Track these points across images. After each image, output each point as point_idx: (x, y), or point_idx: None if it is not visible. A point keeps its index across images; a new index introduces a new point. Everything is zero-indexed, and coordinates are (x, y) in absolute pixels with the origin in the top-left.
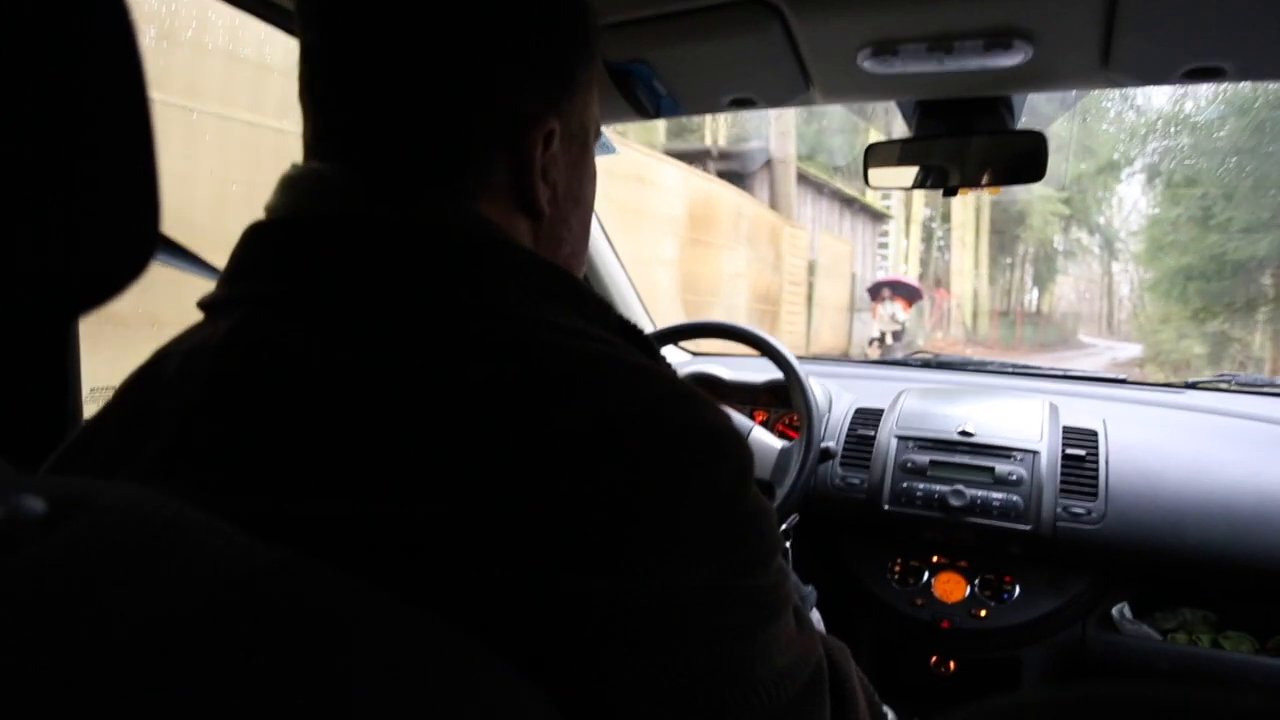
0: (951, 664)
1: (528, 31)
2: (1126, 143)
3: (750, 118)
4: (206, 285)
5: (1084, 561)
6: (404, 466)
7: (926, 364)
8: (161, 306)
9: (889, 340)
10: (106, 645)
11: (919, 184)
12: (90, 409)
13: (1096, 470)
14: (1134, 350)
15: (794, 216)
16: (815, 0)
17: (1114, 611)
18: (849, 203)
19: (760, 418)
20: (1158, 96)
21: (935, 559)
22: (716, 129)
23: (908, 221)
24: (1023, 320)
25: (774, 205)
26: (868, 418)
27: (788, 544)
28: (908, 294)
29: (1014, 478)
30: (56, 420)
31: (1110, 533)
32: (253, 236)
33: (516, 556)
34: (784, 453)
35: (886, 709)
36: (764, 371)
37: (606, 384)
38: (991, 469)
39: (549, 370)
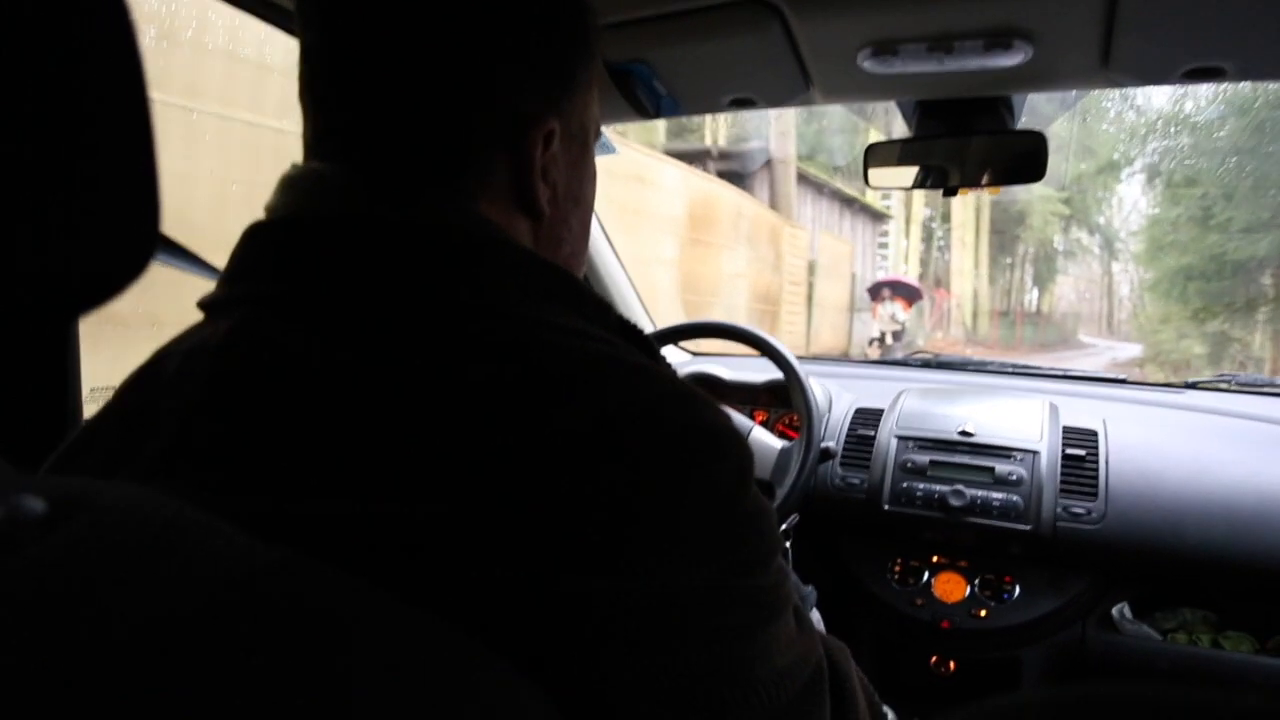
0: (951, 664)
1: (528, 31)
2: (1126, 143)
3: (750, 117)
4: (206, 285)
5: (1084, 561)
6: (404, 466)
7: (926, 364)
8: (162, 306)
9: (889, 340)
10: (106, 645)
11: (919, 184)
12: (90, 409)
13: (1096, 470)
14: (1134, 350)
15: (794, 216)
16: (815, 0)
17: (1114, 611)
18: (849, 203)
19: (760, 418)
20: (1158, 96)
21: (935, 559)
22: (716, 129)
23: (908, 222)
24: (1023, 320)
25: (774, 205)
26: (868, 418)
27: (788, 544)
28: (908, 294)
29: (1014, 478)
30: (56, 420)
31: (1110, 533)
32: (252, 236)
33: (516, 556)
34: (784, 453)
35: (886, 709)
36: (764, 371)
37: (606, 384)
38: (991, 469)
39: (549, 370)
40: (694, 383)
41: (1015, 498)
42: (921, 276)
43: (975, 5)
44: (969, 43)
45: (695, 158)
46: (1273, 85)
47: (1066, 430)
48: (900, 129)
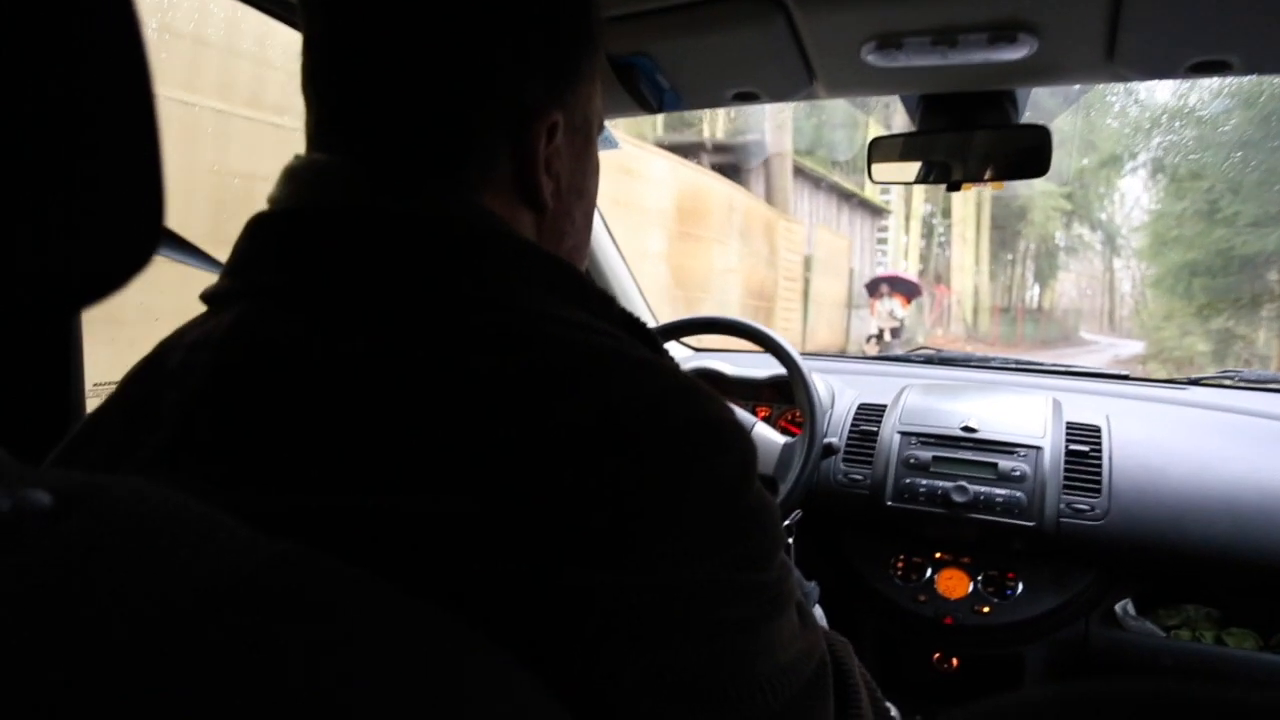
0: (954, 660)
1: (531, 23)
2: (1130, 137)
3: (746, 110)
4: (208, 278)
5: (1087, 558)
6: (407, 459)
7: (929, 360)
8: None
9: (887, 337)
10: (110, 638)
11: (922, 179)
12: (93, 405)
13: (1100, 466)
14: (1136, 347)
15: (791, 210)
16: None
17: (1117, 608)
18: (847, 197)
19: (763, 413)
20: (1162, 90)
21: (938, 555)
22: (714, 121)
23: (908, 217)
24: (1024, 317)
25: (770, 199)
26: (870, 414)
27: (790, 540)
28: (906, 290)
29: (1017, 474)
30: (60, 414)
31: (1114, 529)
32: (255, 228)
33: (519, 549)
34: (787, 448)
35: (889, 705)
36: (766, 367)
37: (610, 377)
38: (995, 465)
39: (552, 363)
40: (696, 378)
41: (1018, 494)
42: (922, 272)
43: None
44: (973, 36)
45: (690, 150)
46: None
47: (1070, 426)
48: (900, 123)
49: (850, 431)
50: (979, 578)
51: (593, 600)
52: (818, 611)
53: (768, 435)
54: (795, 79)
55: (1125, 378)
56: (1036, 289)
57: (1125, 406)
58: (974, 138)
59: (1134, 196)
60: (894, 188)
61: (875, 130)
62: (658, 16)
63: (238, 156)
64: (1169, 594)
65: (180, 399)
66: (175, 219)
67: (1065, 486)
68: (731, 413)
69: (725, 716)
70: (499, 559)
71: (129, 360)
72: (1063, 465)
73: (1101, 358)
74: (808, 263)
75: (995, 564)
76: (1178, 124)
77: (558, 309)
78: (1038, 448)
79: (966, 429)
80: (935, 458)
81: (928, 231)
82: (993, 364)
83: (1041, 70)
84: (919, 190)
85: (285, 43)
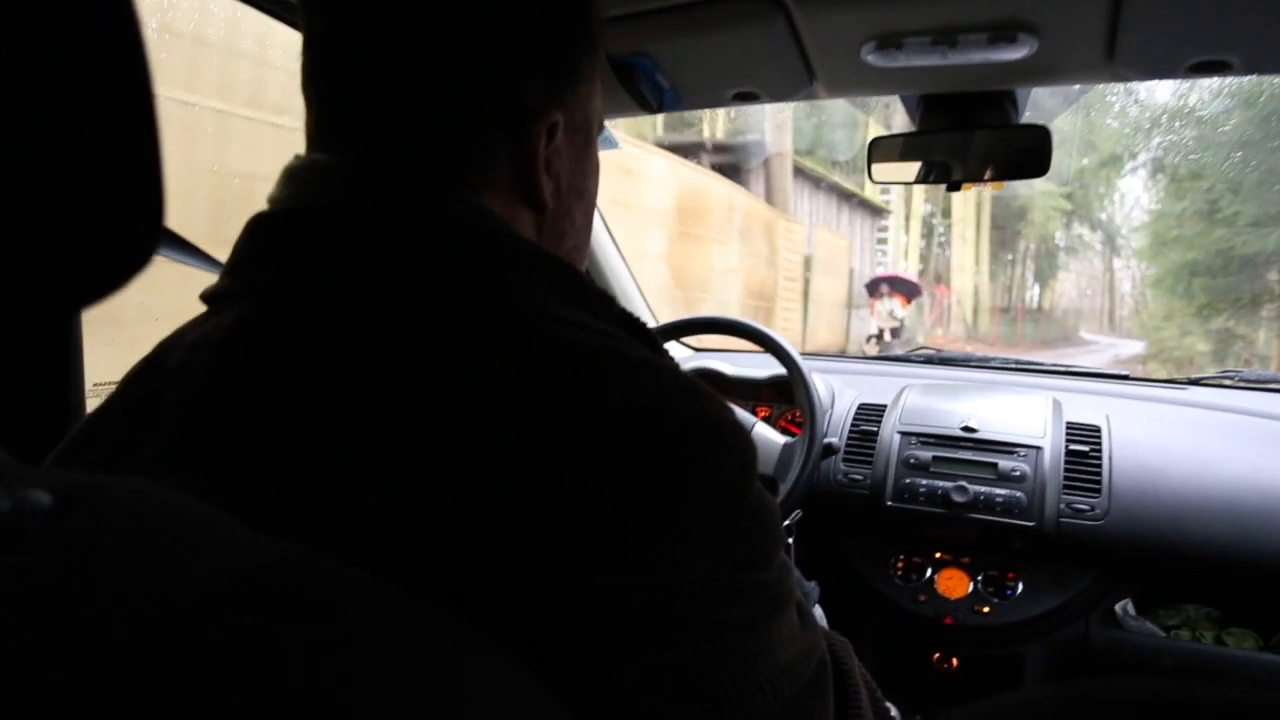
0: (954, 661)
1: (531, 23)
2: (1130, 137)
3: (746, 110)
4: (208, 278)
5: (1087, 558)
6: (407, 459)
7: (929, 360)
8: (161, 299)
9: (887, 337)
10: (110, 639)
11: (922, 179)
12: (93, 405)
13: (1100, 466)
14: (1136, 347)
15: (791, 210)
16: None
17: (1117, 608)
18: (847, 197)
19: (763, 413)
20: (1162, 90)
21: (938, 555)
22: (714, 121)
23: (908, 217)
24: (1024, 317)
25: (770, 199)
26: (870, 414)
27: (790, 540)
28: (906, 290)
29: (1017, 474)
30: (60, 414)
31: (1114, 529)
32: (255, 228)
33: (520, 549)
34: (787, 448)
35: (889, 705)
36: (766, 367)
37: (610, 377)
38: (995, 465)
39: (552, 363)
40: (696, 378)
41: (1018, 494)
42: (922, 272)
43: None
44: (973, 36)
45: (689, 150)
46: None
47: (1070, 426)
48: (900, 122)
49: (850, 431)
50: (979, 578)
51: (593, 600)
52: (818, 611)
53: (768, 435)
54: (795, 79)
55: (1125, 378)
56: (1036, 289)
57: (1125, 406)
58: (974, 138)
59: (1134, 196)
60: (894, 188)
61: (875, 130)
62: (658, 16)
63: (238, 156)
64: (1169, 594)
65: (180, 399)
66: (175, 219)
67: (1065, 486)
68: (731, 413)
69: (725, 716)
70: (499, 559)
71: (129, 360)
72: (1063, 465)
73: (1101, 358)
74: (808, 263)
75: (995, 564)
76: (1178, 124)
77: (558, 309)
78: (1038, 448)
79: (966, 429)
80: (935, 458)
81: (928, 231)
82: (993, 364)
83: (1041, 70)
84: (919, 190)
85: (285, 43)
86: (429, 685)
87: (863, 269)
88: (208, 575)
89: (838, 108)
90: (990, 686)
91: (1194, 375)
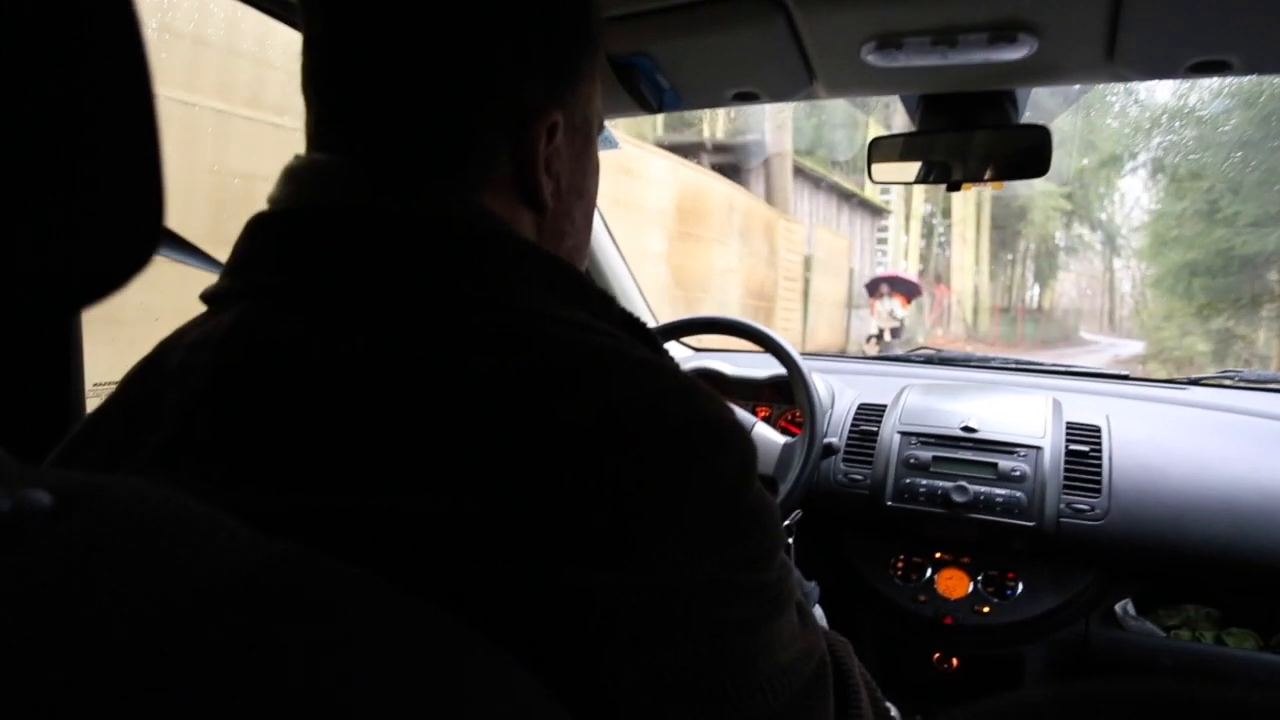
0: (954, 661)
1: (531, 23)
2: (1130, 137)
3: (746, 110)
4: (208, 278)
5: (1087, 558)
6: (407, 459)
7: (929, 360)
8: (161, 299)
9: (887, 337)
10: (110, 639)
11: (922, 179)
12: (93, 405)
13: (1100, 466)
14: (1136, 347)
15: (791, 210)
16: None
17: (1117, 608)
18: (847, 197)
19: (763, 413)
20: (1162, 90)
21: (938, 555)
22: (714, 122)
23: (908, 218)
24: (1024, 317)
25: (770, 199)
26: (870, 413)
27: (790, 540)
28: (906, 290)
29: (1017, 474)
30: (60, 414)
31: (1114, 529)
32: (255, 228)
33: (519, 549)
34: (787, 448)
35: (889, 705)
36: (766, 367)
37: (610, 377)
38: (995, 465)
39: (552, 363)
40: (696, 378)
41: (1018, 494)
42: (922, 272)
43: None
44: (973, 36)
45: (689, 150)
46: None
47: (1070, 426)
48: (900, 122)
49: (850, 431)
50: (979, 578)
51: (593, 600)
52: (818, 611)
53: (768, 435)
54: (795, 79)
55: (1125, 378)
56: (1036, 289)
57: (1125, 406)
58: (974, 138)
59: (1134, 196)
60: (894, 188)
61: (875, 130)
62: (658, 16)
63: (238, 156)
64: (1169, 594)
65: (180, 399)
66: (175, 219)
67: (1065, 486)
68: (731, 413)
69: (725, 716)
70: (499, 559)
71: (129, 360)
72: (1063, 465)
73: (1101, 358)
74: (808, 263)
75: (995, 564)
76: (1178, 124)
77: (558, 309)
78: (1038, 448)
79: (966, 429)
80: (935, 458)
81: (928, 231)
82: (993, 364)
83: (1041, 70)
84: (919, 190)
85: (285, 43)
86: (429, 685)
87: (863, 269)
88: (208, 575)
89: (838, 108)
90: (990, 686)
91: (1194, 375)
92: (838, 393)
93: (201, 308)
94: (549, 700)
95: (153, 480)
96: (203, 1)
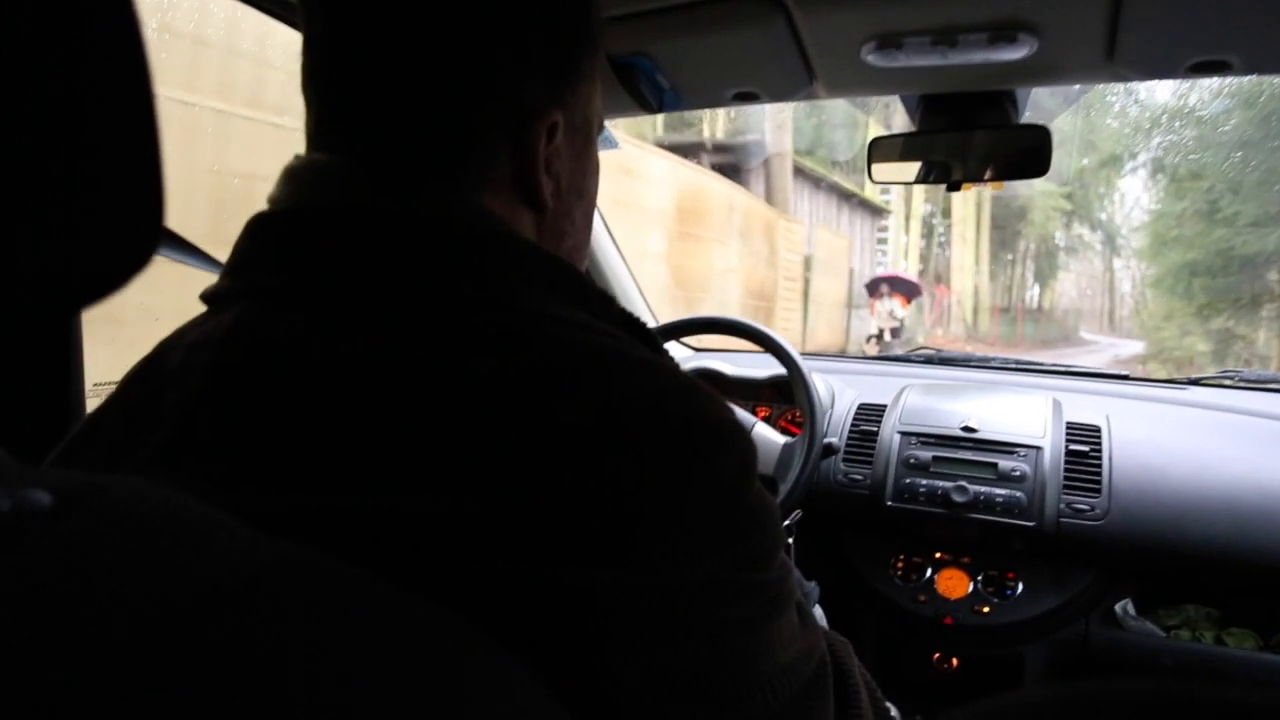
0: (954, 660)
1: (531, 23)
2: (1130, 137)
3: (746, 110)
4: (208, 278)
5: (1087, 558)
6: (407, 459)
7: (929, 360)
8: (161, 299)
9: (887, 337)
10: (109, 640)
11: (922, 179)
12: (93, 405)
13: (1100, 466)
14: (1136, 347)
15: (790, 210)
16: None
17: (1117, 608)
18: (847, 197)
19: (763, 413)
20: (1162, 89)
21: (938, 555)
22: (714, 121)
23: (908, 217)
24: (1024, 317)
25: (770, 199)
26: (870, 413)
27: (790, 540)
28: (906, 290)
29: (1017, 474)
30: (60, 414)
31: (1114, 529)
32: (255, 228)
33: (519, 549)
34: (787, 448)
35: (889, 705)
36: (766, 367)
37: (610, 377)
38: (995, 465)
39: (552, 363)
40: (696, 378)
41: (1018, 494)
42: (922, 272)
43: None
44: (973, 36)
45: (689, 150)
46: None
47: (1070, 426)
48: (900, 122)
49: (850, 431)
50: (979, 578)
51: (593, 600)
52: (818, 611)
53: (768, 435)
54: (795, 79)
55: (1125, 378)
56: (1036, 289)
57: (1125, 406)
58: (974, 138)
59: (1134, 196)
60: (894, 188)
61: (875, 130)
62: (657, 16)
63: (238, 156)
64: (1169, 594)
65: (180, 399)
66: (175, 219)
67: (1065, 486)
68: (732, 413)
69: (726, 716)
70: (499, 559)
71: (129, 360)
72: (1063, 465)
73: (1101, 358)
74: (808, 263)
75: (995, 564)
76: (1178, 124)
77: (558, 309)
78: (1038, 448)
79: (966, 429)
80: (935, 458)
81: (928, 231)
82: (993, 364)
83: (1041, 70)
84: (919, 190)
85: (285, 43)
86: (429, 686)
87: (863, 269)
88: (208, 576)
89: (838, 108)
90: (990, 686)
91: (1194, 375)
92: (838, 393)
93: (201, 308)
94: (549, 700)
95: (153, 480)
96: (203, 1)
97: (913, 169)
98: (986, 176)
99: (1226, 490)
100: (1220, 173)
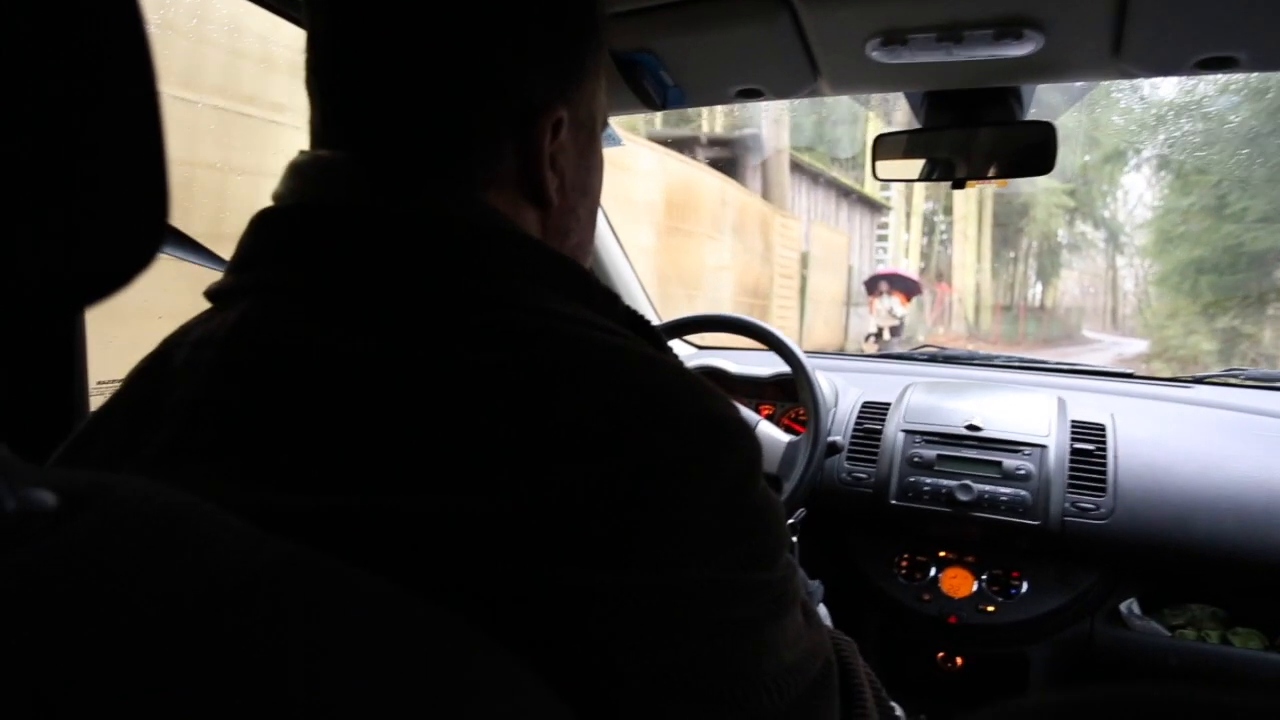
0: (959, 660)
1: (535, 20)
2: (1135, 132)
3: (742, 105)
4: (211, 275)
5: (1092, 557)
6: (410, 458)
7: (933, 358)
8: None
9: (886, 336)
10: (115, 638)
11: (926, 176)
12: (97, 403)
13: (1105, 465)
14: (1140, 346)
15: (788, 206)
16: None
17: (1122, 607)
18: (846, 193)
19: (766, 412)
20: (1167, 85)
21: (942, 554)
22: (711, 116)
23: (908, 214)
24: (1026, 315)
25: (767, 194)
26: (874, 412)
27: (795, 539)
28: (906, 288)
29: (1022, 472)
30: (63, 412)
31: (1119, 528)
32: (260, 224)
33: (523, 549)
34: (791, 447)
35: (893, 704)
36: (770, 365)
37: (614, 375)
38: (999, 463)
39: (556, 361)
40: (701, 375)
41: (1023, 493)
42: (923, 270)
43: None
44: (979, 32)
45: (686, 145)
46: None
47: (1075, 425)
48: (901, 118)
49: (854, 430)
50: (983, 577)
51: (595, 600)
52: (822, 610)
53: (771, 433)
54: (799, 76)
55: (1130, 376)
56: (1039, 287)
57: (1130, 405)
58: (979, 134)
59: (1138, 193)
60: (894, 184)
61: (876, 125)
62: (662, 13)
63: (238, 155)
64: (1174, 593)
65: (184, 396)
66: (176, 218)
67: (1070, 485)
68: (736, 410)
69: (730, 716)
70: (502, 558)
71: (132, 358)
72: (1068, 464)
73: (1105, 356)
74: (804, 259)
75: (1000, 563)
76: (1184, 119)
77: (562, 306)
78: (1042, 446)
79: (971, 427)
80: (939, 456)
81: (929, 228)
82: (996, 362)
83: (1047, 67)
84: (920, 187)
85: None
86: (431, 685)
87: (862, 266)
88: (213, 575)
89: (839, 102)
90: (995, 686)
91: (1199, 374)
92: (841, 391)
93: (205, 304)
94: (552, 700)
95: (157, 478)
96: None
97: (917, 166)
98: (991, 174)
99: (1232, 489)
100: (1228, 168)
